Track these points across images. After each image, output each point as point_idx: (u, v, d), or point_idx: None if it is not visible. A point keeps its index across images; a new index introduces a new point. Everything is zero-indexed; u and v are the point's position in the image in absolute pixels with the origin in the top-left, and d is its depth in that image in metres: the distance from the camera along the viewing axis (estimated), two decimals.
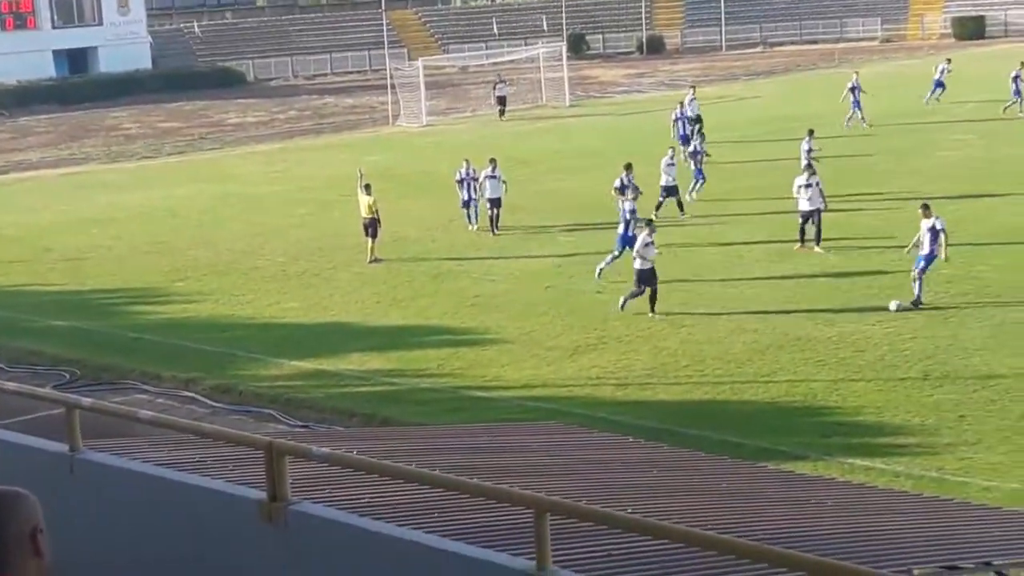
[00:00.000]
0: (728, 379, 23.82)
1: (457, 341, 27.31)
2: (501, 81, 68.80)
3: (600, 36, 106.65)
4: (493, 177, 37.10)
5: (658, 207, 36.85)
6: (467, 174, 37.72)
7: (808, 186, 33.00)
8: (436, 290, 31.54)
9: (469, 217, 37.82)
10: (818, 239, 32.97)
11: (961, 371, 23.21)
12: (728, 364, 24.55)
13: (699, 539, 6.80)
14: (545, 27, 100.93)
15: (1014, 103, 54.49)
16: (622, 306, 28.12)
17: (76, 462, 8.41)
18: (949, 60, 60.59)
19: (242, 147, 62.81)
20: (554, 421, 18.59)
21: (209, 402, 24.50)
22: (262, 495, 7.78)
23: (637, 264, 28.18)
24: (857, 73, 57.06)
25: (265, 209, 43.92)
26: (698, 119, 50.13)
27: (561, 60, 74.25)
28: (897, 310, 27.80)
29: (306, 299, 31.46)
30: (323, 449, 8.16)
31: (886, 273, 30.03)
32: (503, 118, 66.08)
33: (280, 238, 38.60)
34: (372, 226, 34.72)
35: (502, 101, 67.67)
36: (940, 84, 58.38)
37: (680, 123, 46.47)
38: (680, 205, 38.07)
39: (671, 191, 37.94)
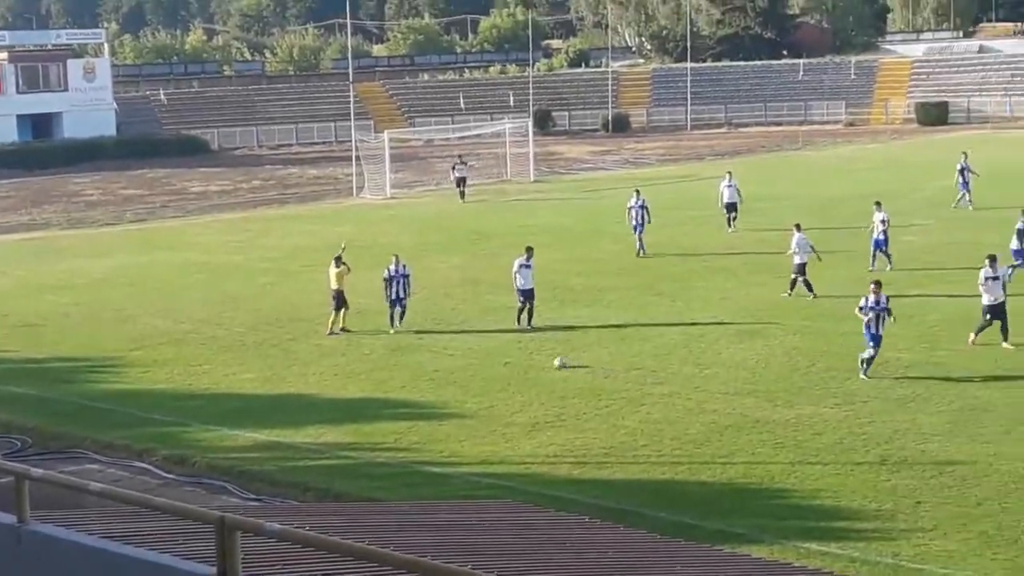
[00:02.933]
0: (686, 459, 23.76)
1: (414, 415, 27.19)
2: (461, 162, 65.44)
3: (566, 113, 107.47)
4: (527, 267, 34.41)
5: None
6: (396, 271, 34.48)
7: (995, 278, 30.94)
8: (394, 363, 31.43)
9: (392, 319, 34.46)
10: (1004, 334, 30.66)
11: (918, 456, 23.23)
12: (686, 444, 24.51)
13: None
14: (512, 103, 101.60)
15: (962, 196, 53.26)
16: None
17: (24, 533, 8.30)
18: (966, 154, 55.49)
19: (204, 216, 62.72)
20: (510, 499, 18.49)
21: (162, 473, 24.26)
22: (212, 571, 7.68)
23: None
24: (965, 154, 55.23)
25: (225, 278, 43.80)
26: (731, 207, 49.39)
27: (527, 136, 74.68)
28: (560, 367, 29.71)
29: (263, 370, 31.30)
30: (276, 525, 8.07)
31: (842, 355, 30.11)
32: (464, 200, 62.96)
33: (239, 308, 38.46)
34: (339, 298, 34.65)
35: (461, 183, 64.10)
36: (965, 184, 53.50)
37: (635, 212, 45.46)
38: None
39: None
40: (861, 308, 28.71)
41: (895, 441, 24.10)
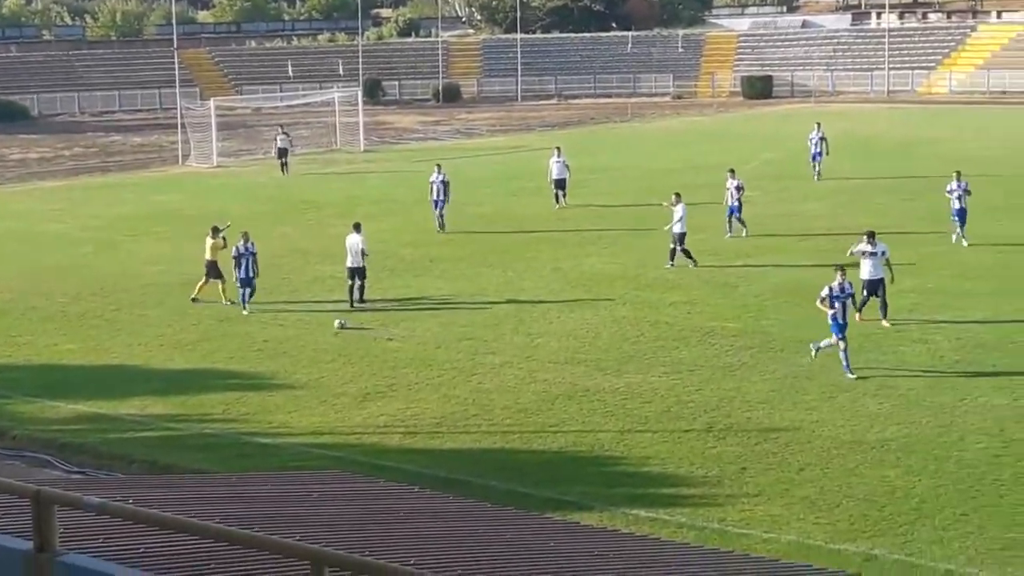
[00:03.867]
0: (517, 428, 23.82)
1: (243, 386, 26.81)
2: (283, 133, 62.83)
3: (396, 82, 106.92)
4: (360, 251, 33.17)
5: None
6: (245, 249, 32.72)
7: (873, 254, 30.28)
8: (223, 334, 30.96)
9: (244, 299, 32.81)
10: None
11: (744, 423, 23.61)
12: (517, 413, 24.57)
13: None
14: (341, 71, 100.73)
15: (816, 166, 54.12)
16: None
17: None
18: (819, 124, 55.98)
19: (24, 183, 61.10)
20: (340, 469, 18.31)
21: None
22: (29, 546, 7.43)
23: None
24: (819, 124, 55.65)
25: (46, 248, 42.70)
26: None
27: (357, 105, 74.11)
28: (340, 328, 30.23)
29: (86, 341, 30.58)
30: (95, 498, 7.83)
31: (671, 324, 30.50)
32: (286, 173, 60.69)
33: (61, 278, 37.51)
34: (212, 268, 33.80)
35: (283, 154, 61.50)
36: (818, 155, 54.38)
37: (436, 187, 44.38)
38: None
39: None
40: (825, 298, 26.66)
41: (721, 409, 24.45)
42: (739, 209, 41.41)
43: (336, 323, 31.21)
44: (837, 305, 26.48)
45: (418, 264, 38.64)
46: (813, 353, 26.92)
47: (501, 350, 28.92)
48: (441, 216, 43.91)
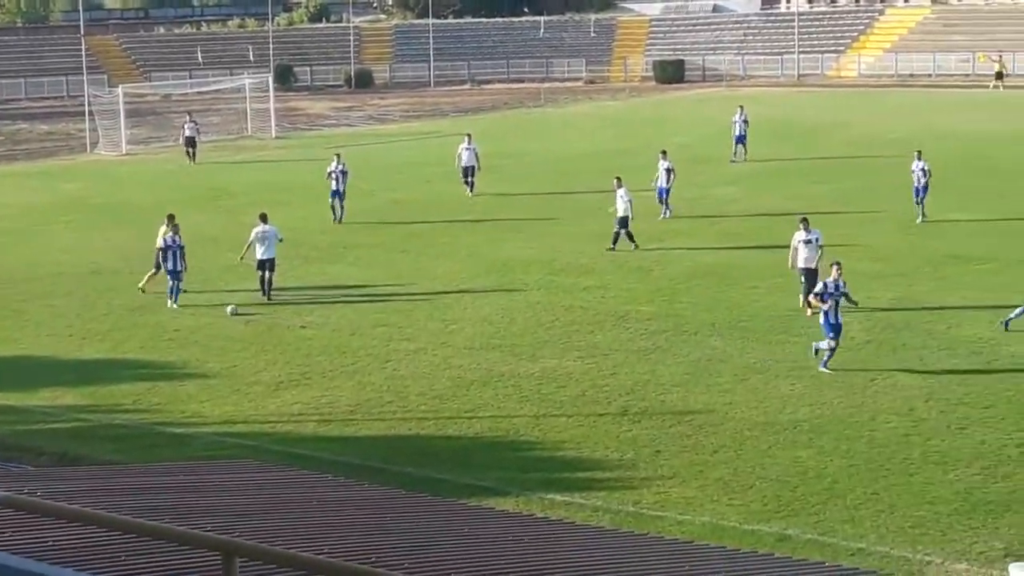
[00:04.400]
0: (432, 415, 23.79)
1: (154, 376, 26.53)
2: (191, 121, 61.30)
3: (308, 68, 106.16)
4: (267, 233, 32.57)
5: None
6: (173, 241, 32.23)
7: (808, 241, 29.99)
8: (133, 324, 30.61)
9: (172, 292, 32.03)
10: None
11: (658, 407, 23.72)
12: (432, 400, 24.52)
13: None
14: (252, 58, 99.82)
15: (737, 150, 54.79)
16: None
17: None
18: (742, 107, 56.71)
19: None
20: (253, 459, 18.18)
21: None
22: None
23: None
24: (742, 107, 56.31)
25: None
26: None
27: (268, 91, 73.50)
28: (232, 314, 30.42)
29: None
30: (2, 491, 7.70)
31: (585, 309, 30.57)
32: (193, 162, 59.27)
33: None
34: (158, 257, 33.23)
35: (191, 143, 60.06)
36: (741, 137, 54.98)
37: (336, 177, 43.72)
38: None
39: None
40: (819, 294, 25.69)
41: (636, 392, 24.55)
42: (667, 192, 41.63)
43: (228, 309, 31.16)
44: (829, 302, 25.36)
45: (332, 251, 38.43)
46: (814, 354, 25.77)
47: (416, 336, 28.84)
48: (340, 207, 42.79)
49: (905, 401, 23.51)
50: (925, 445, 21.39)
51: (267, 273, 32.60)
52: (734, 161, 54.44)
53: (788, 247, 30.37)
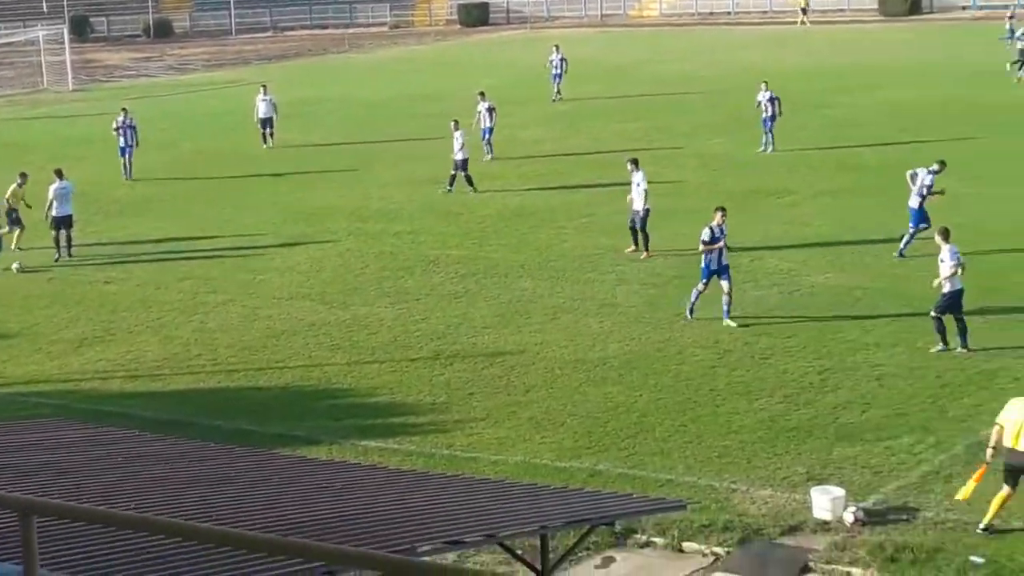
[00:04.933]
0: (242, 366, 23.54)
1: None
2: None
3: (104, 19, 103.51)
4: (64, 190, 31.75)
5: None
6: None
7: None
8: None
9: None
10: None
11: (470, 349, 23.82)
12: (241, 351, 24.26)
13: (200, 533, 6.54)
14: (45, 8, 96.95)
15: (557, 90, 55.26)
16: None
17: None
18: (557, 47, 57.07)
19: None
20: (59, 417, 17.80)
21: None
22: None
23: None
24: (557, 47, 56.58)
25: None
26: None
27: (63, 43, 71.44)
28: (18, 271, 30.22)
29: None
30: None
31: (395, 255, 30.51)
32: None
33: None
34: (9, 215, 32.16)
35: None
36: (558, 76, 55.48)
37: (123, 132, 42.53)
38: None
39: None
40: (708, 241, 24.52)
41: (448, 336, 24.61)
42: (491, 132, 41.72)
43: (14, 266, 30.60)
44: (717, 245, 24.43)
45: (134, 205, 37.64)
46: (689, 313, 24.80)
47: (223, 288, 28.48)
48: (129, 163, 41.51)
49: (711, 334, 23.97)
50: (730, 376, 21.88)
51: (65, 231, 31.73)
52: (556, 100, 54.99)
53: (594, 187, 30.74)
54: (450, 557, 13.54)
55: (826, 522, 16.53)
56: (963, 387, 20.82)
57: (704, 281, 24.67)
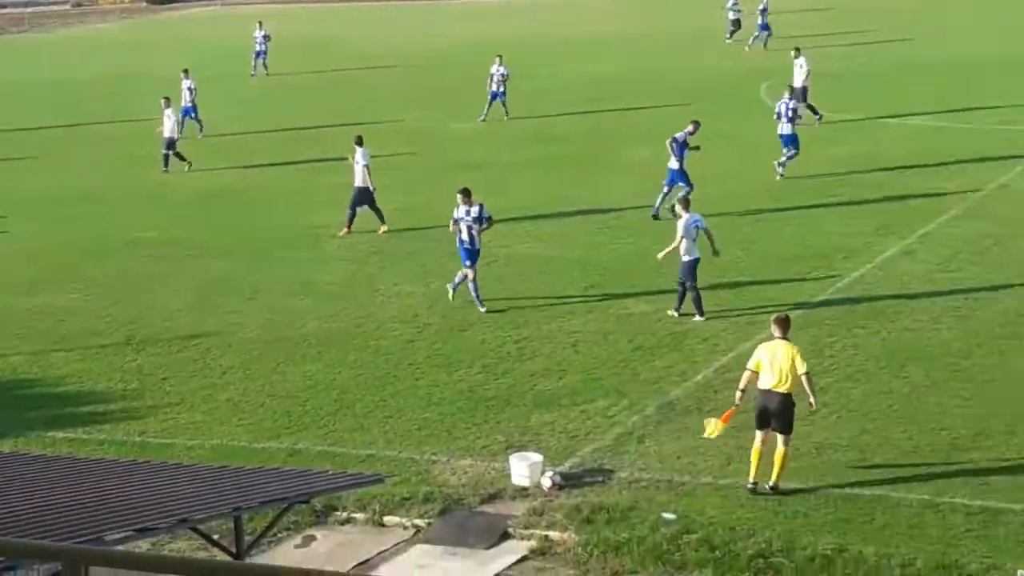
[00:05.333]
0: None
1: None
2: None
3: None
4: None
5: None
6: None
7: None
8: None
9: None
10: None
11: (164, 333, 23.18)
12: None
13: None
14: None
15: (255, 66, 55.20)
16: None
17: None
18: (260, 23, 56.50)
19: None
20: None
21: None
22: None
23: None
24: (260, 23, 56.18)
25: None
26: None
27: None
28: None
29: None
30: None
31: (87, 238, 29.53)
32: None
33: None
34: None
35: None
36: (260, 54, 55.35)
37: None
38: None
39: None
40: (455, 220, 24.01)
41: (140, 320, 23.90)
42: (194, 110, 41.38)
43: None
44: (462, 226, 23.91)
45: None
46: (451, 294, 24.12)
47: None
48: None
49: (410, 308, 23.95)
50: (430, 349, 21.89)
51: None
52: (255, 76, 54.82)
53: (294, 163, 30.36)
54: (143, 546, 13.15)
55: (525, 488, 16.69)
56: (654, 350, 21.32)
57: (467, 265, 23.91)
